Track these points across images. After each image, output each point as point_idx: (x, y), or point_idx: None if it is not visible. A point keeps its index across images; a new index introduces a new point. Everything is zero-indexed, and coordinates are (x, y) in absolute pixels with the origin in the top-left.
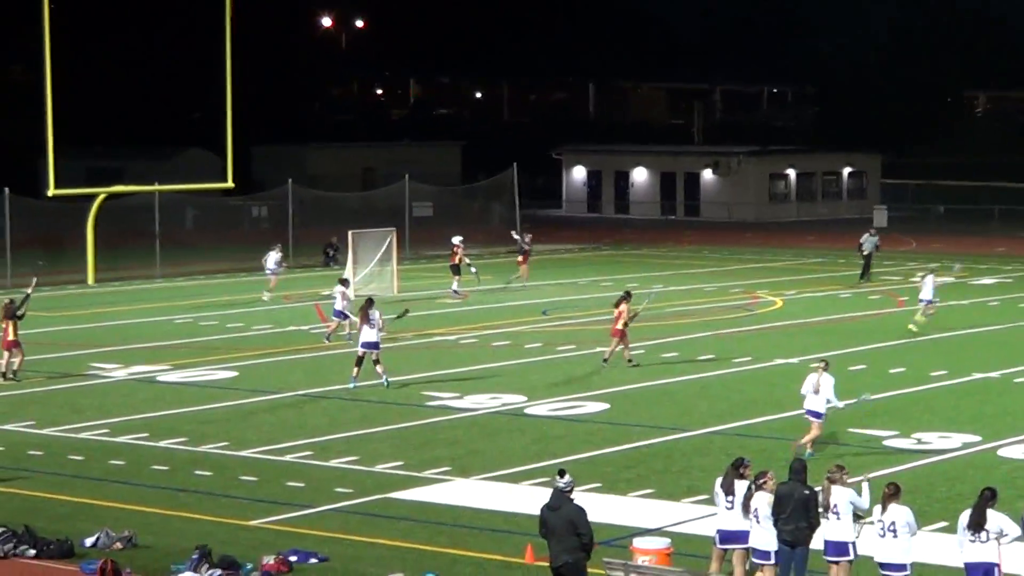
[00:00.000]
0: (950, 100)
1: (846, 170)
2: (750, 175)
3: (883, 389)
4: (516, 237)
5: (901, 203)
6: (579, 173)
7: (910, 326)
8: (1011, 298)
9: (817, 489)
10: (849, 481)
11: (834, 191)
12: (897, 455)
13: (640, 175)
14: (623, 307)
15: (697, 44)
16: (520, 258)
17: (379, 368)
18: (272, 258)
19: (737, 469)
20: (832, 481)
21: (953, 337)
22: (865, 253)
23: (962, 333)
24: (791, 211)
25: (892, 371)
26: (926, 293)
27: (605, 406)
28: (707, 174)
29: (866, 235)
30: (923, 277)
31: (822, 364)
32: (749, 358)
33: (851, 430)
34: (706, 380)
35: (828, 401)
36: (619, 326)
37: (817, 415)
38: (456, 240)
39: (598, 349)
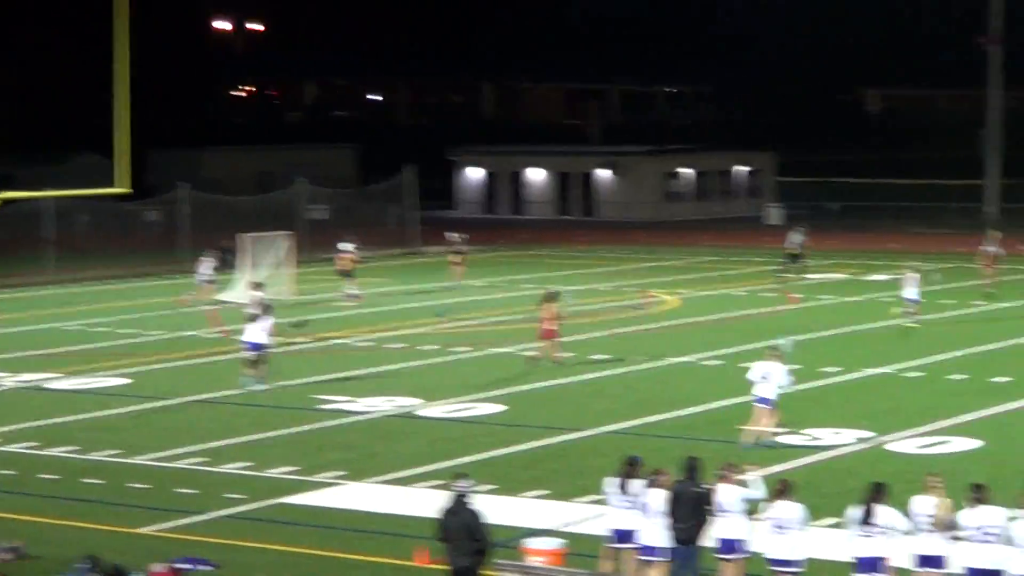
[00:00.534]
0: (844, 98)
1: (741, 169)
2: (646, 174)
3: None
4: (454, 238)
5: (796, 201)
6: (475, 174)
7: (908, 325)
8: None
9: (710, 487)
10: (741, 477)
11: (729, 190)
12: (789, 451)
13: (536, 175)
14: (551, 307)
15: (593, 44)
16: (456, 259)
17: (258, 370)
18: (205, 265)
19: (630, 468)
20: (723, 479)
21: (846, 333)
22: (795, 251)
23: (855, 329)
24: (687, 210)
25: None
26: (909, 292)
27: (501, 407)
28: (603, 174)
29: (792, 232)
30: (904, 276)
31: (771, 351)
32: (644, 357)
33: (740, 427)
34: (601, 380)
35: (779, 387)
36: (550, 326)
37: (766, 402)
38: (345, 246)
39: (494, 351)
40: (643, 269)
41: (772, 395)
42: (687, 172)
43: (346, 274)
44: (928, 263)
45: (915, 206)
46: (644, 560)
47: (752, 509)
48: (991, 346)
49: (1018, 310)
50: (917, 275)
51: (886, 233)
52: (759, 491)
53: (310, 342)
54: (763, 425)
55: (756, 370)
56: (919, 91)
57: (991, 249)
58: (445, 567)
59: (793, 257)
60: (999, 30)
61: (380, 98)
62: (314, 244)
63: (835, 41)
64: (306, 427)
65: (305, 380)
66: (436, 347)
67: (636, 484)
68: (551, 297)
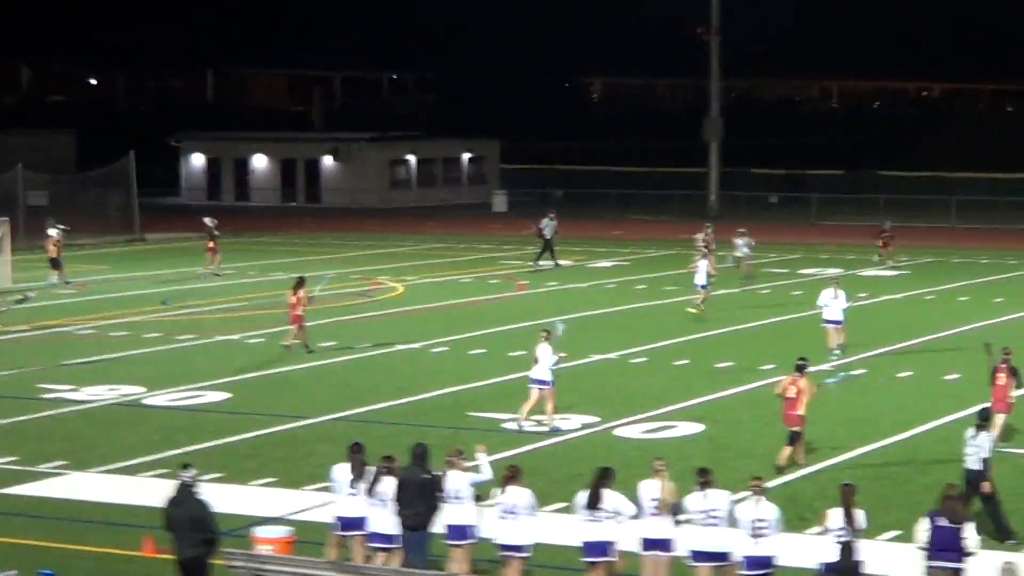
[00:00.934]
0: (567, 86)
1: (466, 156)
2: (370, 161)
3: (503, 373)
4: (208, 224)
5: (521, 188)
6: (198, 160)
7: (690, 310)
8: (628, 280)
9: (438, 473)
10: (469, 463)
11: (454, 177)
12: (517, 437)
13: (260, 162)
14: (300, 293)
15: (317, 31)
16: (211, 244)
17: None
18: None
19: (356, 455)
20: (451, 465)
21: (572, 319)
22: (547, 237)
23: (581, 315)
24: (412, 197)
25: (512, 354)
26: (699, 279)
27: (226, 395)
28: (327, 161)
29: (545, 219)
30: (695, 262)
31: (543, 334)
32: (371, 344)
33: (470, 413)
34: (328, 367)
35: (552, 367)
36: (298, 312)
37: (543, 383)
38: (52, 231)
39: (219, 338)
40: (369, 256)
41: (548, 376)
42: (412, 159)
43: (53, 261)
44: (654, 251)
45: (638, 193)
46: (373, 547)
47: (481, 495)
48: (713, 332)
49: (737, 297)
50: (705, 261)
51: (610, 220)
52: (487, 475)
53: (29, 330)
54: (547, 407)
55: (535, 353)
56: (640, 80)
57: (699, 237)
58: (172, 557)
59: (546, 244)
60: (719, 20)
61: (98, 83)
62: (32, 231)
63: (557, 29)
64: (27, 416)
65: (26, 369)
66: (160, 335)
67: (363, 471)
68: (300, 283)
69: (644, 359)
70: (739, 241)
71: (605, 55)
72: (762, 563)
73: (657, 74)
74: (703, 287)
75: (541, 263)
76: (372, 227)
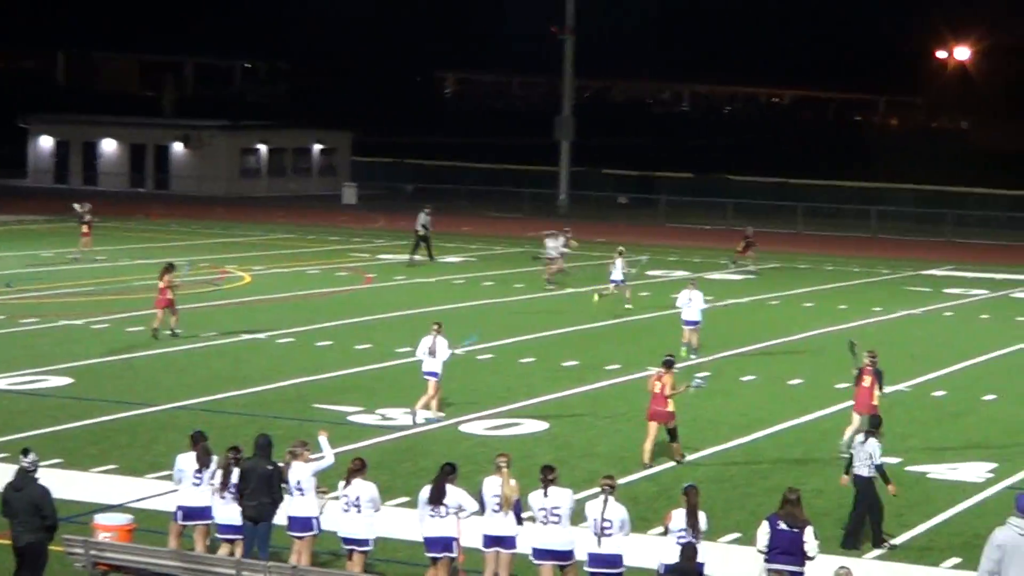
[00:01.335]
0: (420, 80)
1: (317, 147)
2: (221, 150)
3: (350, 365)
4: (77, 208)
5: (372, 181)
6: (46, 143)
7: (595, 298)
8: (475, 276)
9: (281, 465)
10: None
11: (304, 167)
12: (362, 430)
13: (109, 146)
14: (167, 278)
15: (170, 16)
16: (84, 228)
17: None
18: None
19: (199, 444)
20: (294, 456)
21: (419, 314)
22: (422, 234)
23: (428, 311)
24: (263, 187)
25: (358, 347)
26: (615, 274)
27: (69, 380)
28: (177, 147)
29: (421, 213)
30: (614, 260)
31: (436, 326)
32: (217, 333)
33: (316, 406)
34: (172, 355)
35: (445, 360)
36: (168, 296)
37: (434, 375)
38: None
39: (63, 323)
40: (217, 244)
41: (439, 369)
42: (263, 148)
43: None
44: (502, 248)
45: (490, 190)
46: (216, 538)
47: (325, 487)
48: (559, 331)
49: (585, 296)
50: (621, 258)
51: (460, 216)
52: (330, 460)
53: None
54: (433, 398)
55: (423, 346)
56: (495, 76)
57: (548, 236)
58: (9, 543)
59: (422, 239)
60: (574, 20)
61: None
62: None
63: (411, 23)
64: None
65: None
66: (2, 318)
67: (208, 460)
68: (169, 268)
69: (491, 356)
70: (549, 243)
71: (460, 51)
72: (608, 562)
73: (512, 71)
74: (619, 283)
75: (416, 257)
76: (221, 216)
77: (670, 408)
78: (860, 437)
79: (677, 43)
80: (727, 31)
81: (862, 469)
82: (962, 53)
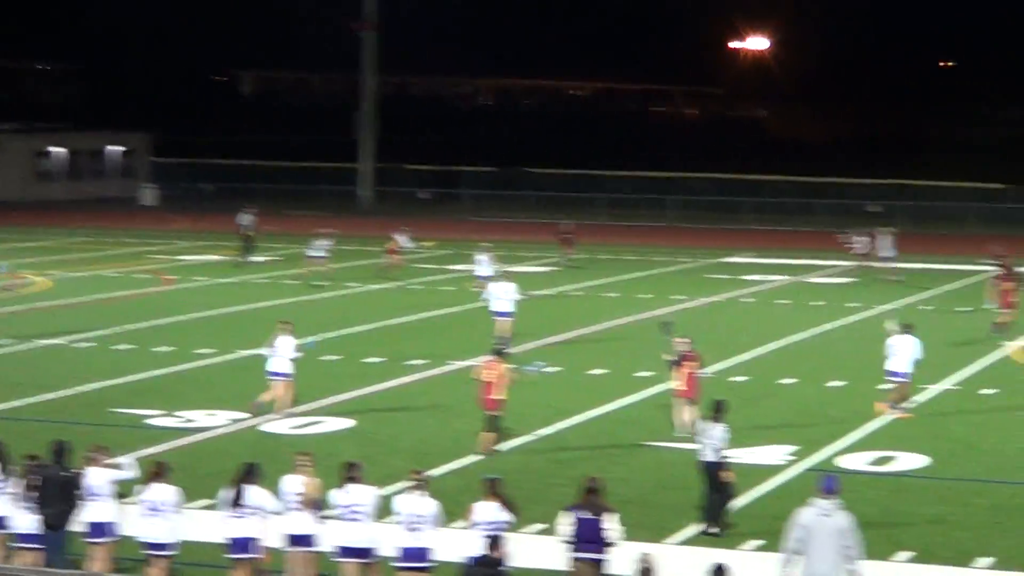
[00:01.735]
0: (216, 79)
1: (114, 148)
2: (14, 153)
3: (149, 368)
4: None
5: (172, 182)
6: None
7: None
8: (278, 275)
9: (78, 471)
10: (112, 460)
11: (102, 169)
12: (162, 433)
13: None
14: None
15: None
16: None
17: None
18: None
19: None
20: (91, 462)
21: (221, 315)
22: (248, 234)
23: (227, 311)
24: (59, 190)
25: (156, 349)
26: (481, 271)
27: None
28: None
29: (242, 214)
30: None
31: (287, 325)
32: (12, 340)
33: (113, 410)
34: None
35: (292, 359)
36: None
37: (282, 375)
38: None
39: None
40: (14, 249)
41: (288, 368)
42: (59, 151)
43: None
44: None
45: (291, 188)
46: (15, 547)
47: (124, 492)
48: (362, 328)
49: (391, 293)
50: (487, 256)
51: (263, 216)
52: (132, 473)
53: None
54: (283, 397)
55: (272, 345)
56: (294, 73)
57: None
58: None
59: (247, 239)
60: (374, 16)
61: None
62: None
63: (208, 21)
64: None
65: None
66: None
67: (7, 468)
68: None
69: (297, 355)
70: (317, 242)
71: (257, 48)
72: (418, 555)
73: (311, 68)
74: (484, 279)
75: (251, 258)
76: (16, 220)
77: (497, 396)
78: (704, 423)
79: (476, 38)
80: (526, 25)
81: (709, 454)
82: (760, 43)
